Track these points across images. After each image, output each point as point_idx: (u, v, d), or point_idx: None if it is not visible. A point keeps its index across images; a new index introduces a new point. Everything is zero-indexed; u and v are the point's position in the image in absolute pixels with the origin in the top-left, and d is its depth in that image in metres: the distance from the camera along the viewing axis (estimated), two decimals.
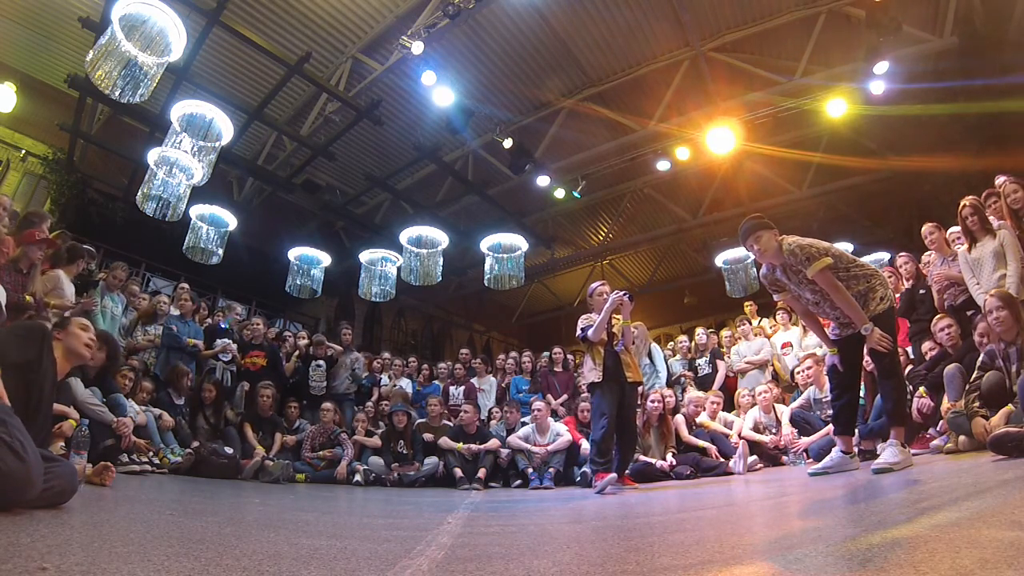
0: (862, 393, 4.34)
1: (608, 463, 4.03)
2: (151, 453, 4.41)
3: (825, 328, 3.51)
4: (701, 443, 5.38)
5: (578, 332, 4.32)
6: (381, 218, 10.97)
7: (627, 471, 4.33)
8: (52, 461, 1.93)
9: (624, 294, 4.17)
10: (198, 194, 6.38)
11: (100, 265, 7.18)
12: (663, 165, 9.01)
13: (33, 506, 1.71)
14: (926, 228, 4.93)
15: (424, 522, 2.37)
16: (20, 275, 3.94)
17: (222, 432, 5.50)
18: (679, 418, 5.58)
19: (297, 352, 6.94)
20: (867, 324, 3.05)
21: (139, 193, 5.81)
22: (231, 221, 6.96)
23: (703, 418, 5.66)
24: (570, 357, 7.55)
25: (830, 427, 4.45)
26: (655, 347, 7.13)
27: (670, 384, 6.62)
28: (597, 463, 3.99)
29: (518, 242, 7.74)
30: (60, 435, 3.25)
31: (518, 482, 5.43)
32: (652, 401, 5.38)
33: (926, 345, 4.55)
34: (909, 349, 5.09)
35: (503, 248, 7.68)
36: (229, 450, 5.17)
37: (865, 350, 3.20)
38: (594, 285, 4.46)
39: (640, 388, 4.63)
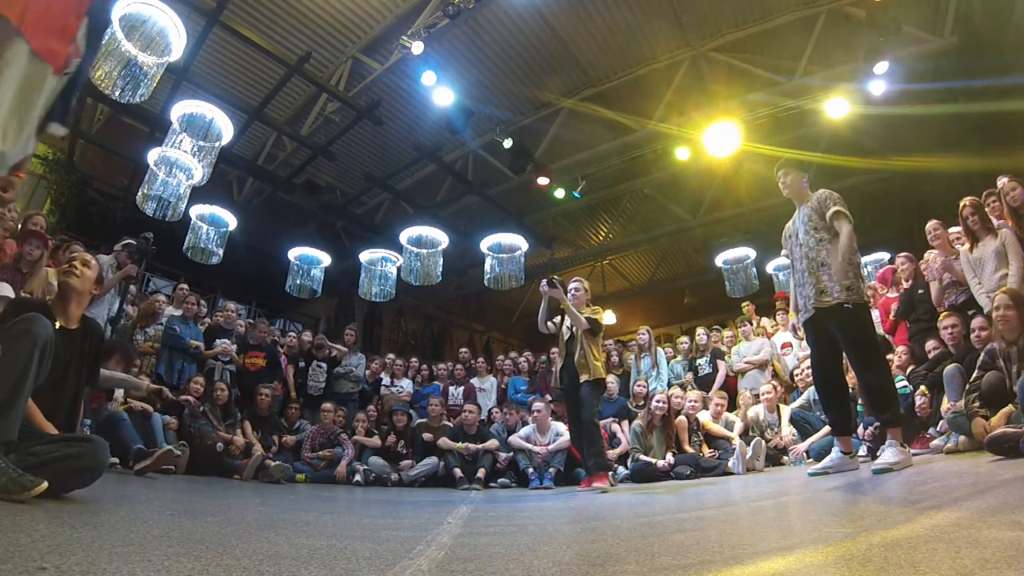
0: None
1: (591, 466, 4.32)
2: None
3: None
4: (718, 432, 5.52)
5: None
6: (381, 218, 10.96)
7: (592, 471, 4.24)
8: (80, 442, 2.07)
9: (543, 285, 4.54)
10: (198, 194, 6.39)
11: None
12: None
13: (63, 490, 1.89)
14: (930, 225, 4.88)
15: (424, 522, 2.37)
16: (20, 274, 3.97)
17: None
18: (682, 420, 5.51)
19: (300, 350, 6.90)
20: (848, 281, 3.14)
21: (139, 193, 5.82)
22: (231, 221, 6.96)
23: (704, 416, 5.65)
24: None
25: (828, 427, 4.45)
26: (660, 351, 7.16)
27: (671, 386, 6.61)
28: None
29: (518, 242, 7.75)
30: None
31: (503, 480, 5.41)
32: (657, 402, 5.36)
33: (930, 343, 4.52)
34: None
35: (503, 248, 7.68)
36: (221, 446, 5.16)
37: (841, 339, 3.22)
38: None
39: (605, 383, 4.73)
